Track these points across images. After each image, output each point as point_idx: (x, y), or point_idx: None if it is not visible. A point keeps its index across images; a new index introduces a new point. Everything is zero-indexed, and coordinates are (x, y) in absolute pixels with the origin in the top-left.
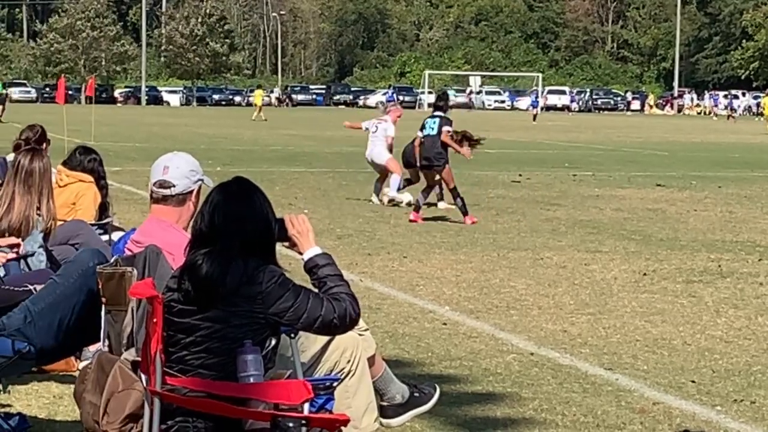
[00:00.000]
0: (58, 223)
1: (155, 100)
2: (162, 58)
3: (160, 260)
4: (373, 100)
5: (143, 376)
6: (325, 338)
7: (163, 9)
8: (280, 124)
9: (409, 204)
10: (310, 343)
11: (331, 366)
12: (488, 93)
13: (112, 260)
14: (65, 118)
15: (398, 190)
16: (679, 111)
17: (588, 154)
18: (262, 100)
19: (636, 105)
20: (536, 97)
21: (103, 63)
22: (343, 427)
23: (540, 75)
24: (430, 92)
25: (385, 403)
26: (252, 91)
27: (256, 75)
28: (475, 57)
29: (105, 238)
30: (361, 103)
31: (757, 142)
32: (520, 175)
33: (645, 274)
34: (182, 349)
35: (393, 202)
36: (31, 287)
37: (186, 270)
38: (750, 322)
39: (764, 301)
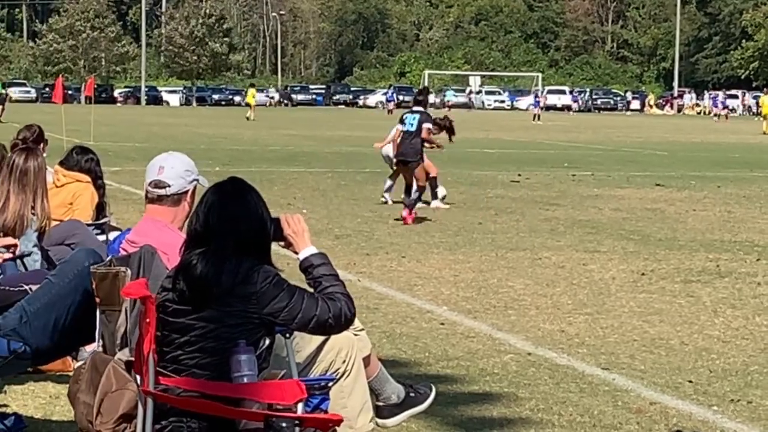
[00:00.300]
0: (54, 223)
1: (155, 100)
2: (162, 58)
3: (155, 260)
4: (372, 100)
5: (137, 377)
6: (321, 338)
7: (163, 9)
8: (280, 124)
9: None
10: (305, 343)
11: (326, 366)
12: (488, 93)
13: (106, 260)
14: (64, 118)
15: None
16: (679, 111)
17: (587, 154)
18: (255, 99)
19: (636, 105)
20: (536, 97)
21: (103, 63)
22: (337, 428)
23: (540, 75)
24: (430, 92)
25: (380, 403)
26: (258, 91)
27: (256, 75)
28: (474, 57)
29: (102, 238)
30: (360, 103)
31: (757, 142)
32: (520, 175)
33: (643, 274)
34: (176, 348)
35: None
36: (26, 287)
37: (181, 270)
38: (748, 321)
39: (762, 301)
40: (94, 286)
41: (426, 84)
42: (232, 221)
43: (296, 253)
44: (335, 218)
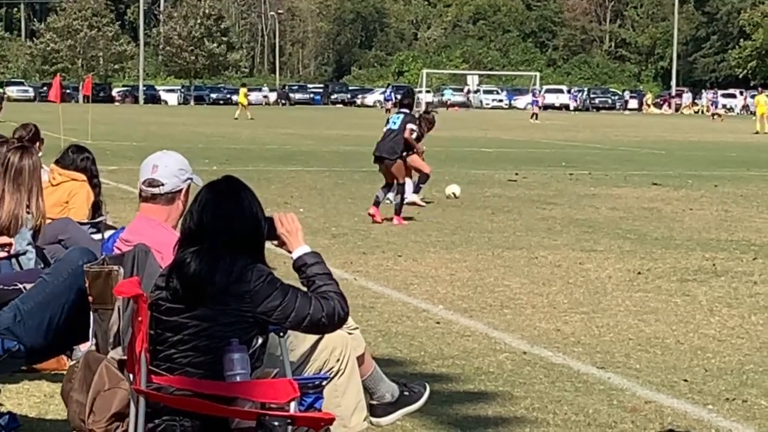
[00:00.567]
0: (48, 221)
1: (153, 99)
2: (160, 57)
3: (148, 259)
4: (370, 99)
5: (129, 375)
6: (314, 337)
7: (161, 8)
8: (278, 123)
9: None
10: (299, 342)
11: (320, 365)
12: (486, 92)
13: (99, 259)
14: (61, 117)
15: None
16: (677, 110)
17: (585, 153)
18: (246, 98)
19: (633, 104)
20: (534, 96)
21: (101, 62)
22: (331, 426)
23: (538, 74)
24: (428, 91)
25: (374, 402)
26: (251, 90)
27: (254, 74)
28: (473, 56)
29: (98, 236)
30: (358, 102)
31: (754, 141)
32: (517, 174)
33: (639, 273)
34: (170, 347)
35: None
36: (20, 286)
37: (174, 268)
38: (743, 321)
39: (758, 300)
40: (87, 285)
41: (424, 83)
42: (226, 220)
43: (290, 252)
44: (332, 217)
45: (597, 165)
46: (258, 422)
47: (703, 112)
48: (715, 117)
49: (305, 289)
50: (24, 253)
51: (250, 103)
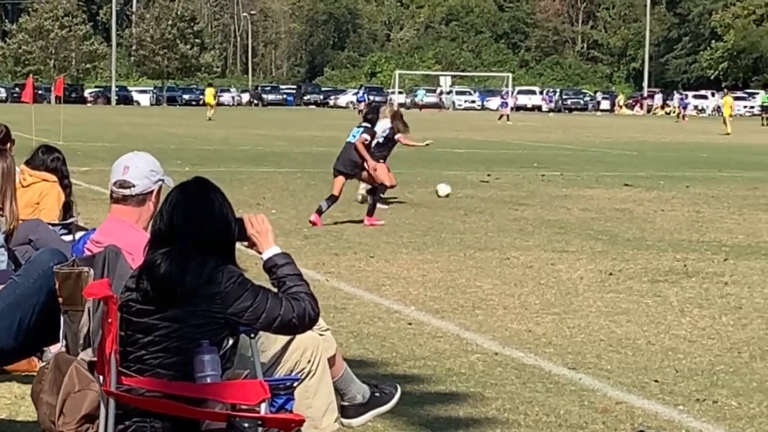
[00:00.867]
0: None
1: (125, 99)
2: (132, 58)
3: (119, 260)
4: (343, 100)
5: (99, 377)
6: (286, 338)
7: (134, 9)
8: (250, 124)
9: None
10: (270, 343)
11: (291, 366)
12: (458, 93)
13: (69, 260)
14: (33, 118)
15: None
16: (649, 111)
17: (557, 154)
18: (215, 98)
19: (606, 105)
20: (503, 98)
21: (73, 62)
22: (302, 428)
23: (510, 75)
24: (400, 92)
25: (346, 403)
26: (225, 90)
27: (227, 75)
28: (445, 57)
29: (69, 238)
30: (331, 103)
31: (725, 142)
32: (489, 175)
33: (611, 274)
34: (140, 348)
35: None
36: None
37: (145, 269)
38: (714, 321)
39: (729, 301)
40: (57, 286)
41: (397, 84)
42: (196, 221)
43: (260, 253)
44: (304, 218)
45: (569, 166)
46: (228, 423)
47: (678, 114)
48: (680, 118)
49: (276, 290)
50: None
51: (218, 104)
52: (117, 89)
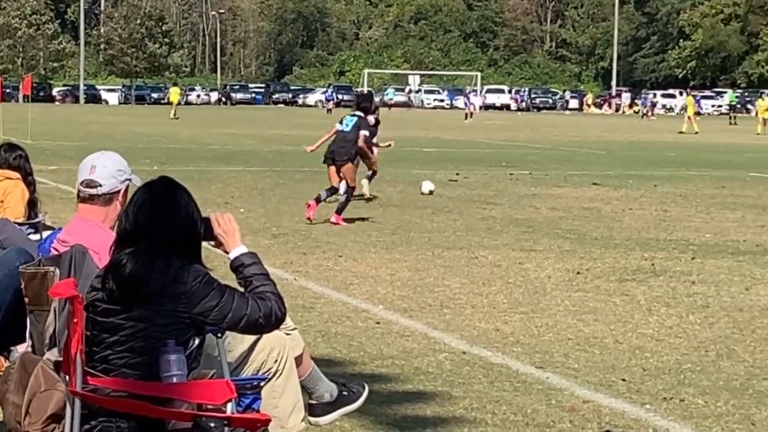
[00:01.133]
0: None
1: (93, 98)
2: (100, 57)
3: (86, 260)
4: (312, 98)
5: (65, 377)
6: (252, 338)
7: (102, 8)
8: (219, 123)
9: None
10: (237, 342)
11: (258, 366)
12: (427, 92)
13: (35, 260)
14: (1, 117)
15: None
16: (617, 110)
17: (525, 153)
18: (179, 98)
19: (574, 104)
20: (466, 97)
21: (41, 61)
22: (269, 427)
23: (479, 74)
24: (369, 91)
25: (313, 402)
26: (192, 89)
27: (196, 74)
28: (414, 56)
29: (36, 237)
30: (300, 102)
31: (693, 141)
32: (458, 173)
33: (579, 273)
34: (106, 348)
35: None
36: None
37: (110, 269)
38: (681, 320)
39: (696, 300)
40: (23, 286)
41: (366, 83)
42: (161, 220)
43: (227, 252)
44: (273, 217)
45: (537, 165)
46: (194, 423)
47: (645, 113)
48: (645, 117)
49: (243, 290)
50: None
51: (181, 103)
52: (85, 88)
